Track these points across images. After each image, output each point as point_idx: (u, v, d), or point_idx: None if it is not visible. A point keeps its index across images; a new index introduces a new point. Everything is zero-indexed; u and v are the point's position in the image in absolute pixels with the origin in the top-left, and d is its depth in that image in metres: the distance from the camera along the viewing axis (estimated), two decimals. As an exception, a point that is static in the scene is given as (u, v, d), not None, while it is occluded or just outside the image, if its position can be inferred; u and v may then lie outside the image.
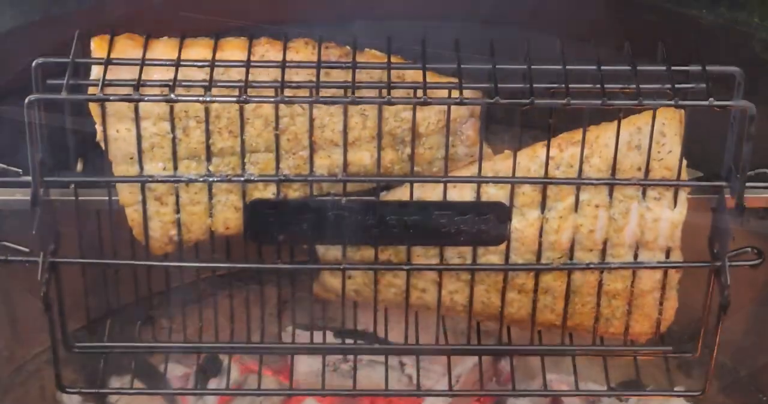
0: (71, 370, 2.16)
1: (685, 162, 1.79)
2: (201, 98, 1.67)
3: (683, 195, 1.80)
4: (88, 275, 1.91)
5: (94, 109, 1.73)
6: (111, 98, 1.68)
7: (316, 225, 1.77)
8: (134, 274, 1.92)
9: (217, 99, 1.68)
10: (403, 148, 1.79)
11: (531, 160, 1.80)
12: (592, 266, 1.84)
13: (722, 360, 2.26)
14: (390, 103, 1.68)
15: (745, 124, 1.71)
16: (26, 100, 1.68)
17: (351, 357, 2.16)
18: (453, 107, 1.75)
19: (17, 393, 2.23)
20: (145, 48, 1.73)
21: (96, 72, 1.72)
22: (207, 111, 1.73)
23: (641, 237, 1.82)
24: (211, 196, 1.78)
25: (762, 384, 2.31)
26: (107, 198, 1.82)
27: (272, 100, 1.69)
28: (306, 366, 2.23)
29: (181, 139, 1.75)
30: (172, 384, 2.29)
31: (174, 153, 1.75)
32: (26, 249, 1.84)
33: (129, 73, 1.71)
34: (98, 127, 1.75)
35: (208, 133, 1.74)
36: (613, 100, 1.69)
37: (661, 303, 1.90)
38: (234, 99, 1.67)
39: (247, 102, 1.68)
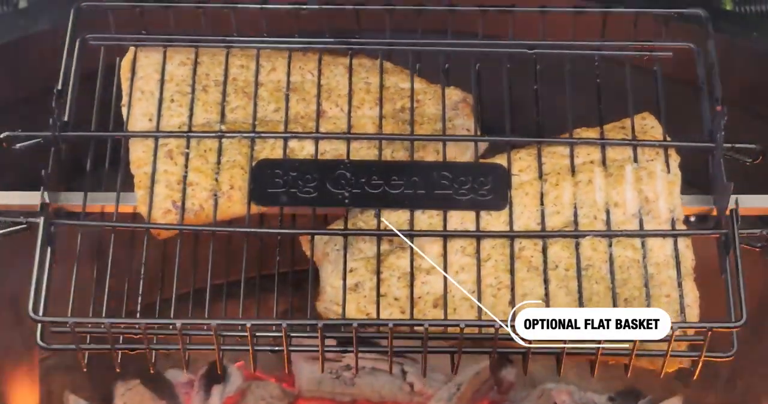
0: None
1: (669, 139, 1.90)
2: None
3: (674, 163, 1.88)
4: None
5: (125, 73, 1.92)
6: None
7: (319, 188, 1.82)
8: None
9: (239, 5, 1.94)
10: (404, 117, 1.92)
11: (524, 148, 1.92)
12: (598, 234, 1.83)
13: (718, 370, 2.27)
14: (390, 47, 1.92)
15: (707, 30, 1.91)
16: None
17: (353, 364, 2.16)
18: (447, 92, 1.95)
19: (24, 396, 2.25)
20: None
21: None
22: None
23: (641, 195, 1.84)
24: (220, 152, 1.86)
25: (760, 395, 2.34)
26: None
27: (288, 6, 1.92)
28: (309, 373, 2.26)
29: (199, 98, 1.89)
30: (177, 390, 2.32)
31: (191, 101, 1.89)
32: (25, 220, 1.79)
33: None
34: (124, 94, 1.90)
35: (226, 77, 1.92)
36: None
37: (680, 285, 1.80)
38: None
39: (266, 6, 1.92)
